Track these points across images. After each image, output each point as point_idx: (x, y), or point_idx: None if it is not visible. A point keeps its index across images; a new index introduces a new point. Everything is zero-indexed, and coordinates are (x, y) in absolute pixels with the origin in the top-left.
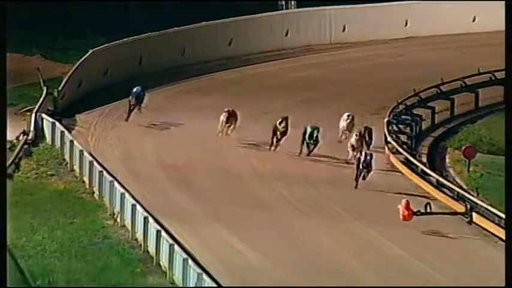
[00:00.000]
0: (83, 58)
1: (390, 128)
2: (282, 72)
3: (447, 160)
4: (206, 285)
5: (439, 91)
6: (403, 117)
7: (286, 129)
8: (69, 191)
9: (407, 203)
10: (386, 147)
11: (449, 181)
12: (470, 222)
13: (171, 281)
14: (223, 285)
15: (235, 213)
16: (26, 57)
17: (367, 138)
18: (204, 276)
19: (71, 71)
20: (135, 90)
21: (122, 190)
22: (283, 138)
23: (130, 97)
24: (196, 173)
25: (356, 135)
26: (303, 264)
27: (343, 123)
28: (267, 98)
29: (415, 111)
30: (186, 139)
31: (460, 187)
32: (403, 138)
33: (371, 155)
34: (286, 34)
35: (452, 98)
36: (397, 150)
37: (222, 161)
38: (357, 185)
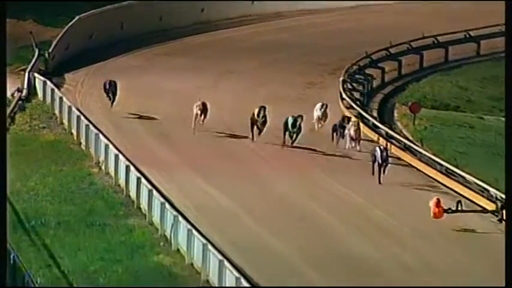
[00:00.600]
0: (70, 23)
1: (345, 86)
2: (250, 37)
3: (395, 114)
4: (181, 226)
5: (388, 53)
6: (357, 76)
7: (265, 119)
8: (59, 142)
9: (438, 201)
10: (341, 103)
11: (397, 133)
12: (501, 220)
13: (150, 222)
14: (196, 225)
15: (209, 164)
16: (19, 22)
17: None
18: (180, 218)
19: (60, 35)
20: (108, 86)
21: (106, 141)
22: (265, 128)
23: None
24: (174, 127)
25: (354, 125)
26: (271, 211)
27: (317, 113)
28: (236, 59)
29: (367, 71)
30: (165, 96)
31: (407, 138)
32: (357, 95)
33: (386, 149)
34: (252, 2)
35: (399, 59)
36: (351, 105)
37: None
38: (380, 181)
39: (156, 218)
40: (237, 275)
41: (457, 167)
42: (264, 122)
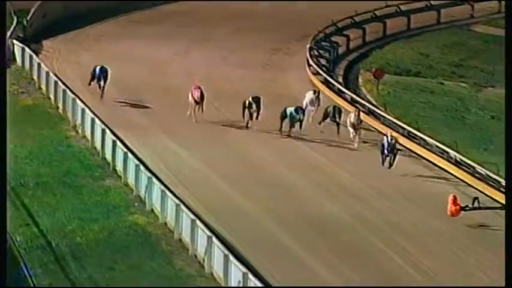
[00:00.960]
0: None
1: (312, 53)
2: (224, 4)
3: (360, 80)
4: (155, 188)
5: (353, 21)
6: (323, 43)
7: (259, 109)
8: (37, 106)
9: (455, 198)
10: (308, 69)
11: (361, 98)
12: None
13: (125, 183)
14: (170, 187)
15: (181, 128)
16: None
17: (336, 117)
18: (154, 179)
19: (37, 4)
20: (97, 71)
21: (83, 106)
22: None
23: (96, 77)
24: (147, 93)
25: (355, 114)
26: (244, 175)
27: (309, 97)
28: (208, 27)
29: (333, 39)
30: (139, 63)
31: (371, 103)
32: (323, 61)
33: (395, 139)
34: None
35: (364, 27)
36: (318, 71)
37: (170, 82)
38: (390, 167)
39: (131, 180)
40: (209, 233)
41: (418, 130)
42: (258, 112)
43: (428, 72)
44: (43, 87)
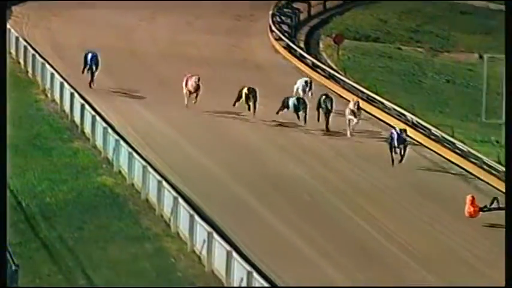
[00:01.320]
0: None
1: (274, 19)
2: None
3: (320, 46)
4: (123, 150)
5: None
6: (285, 10)
7: (256, 99)
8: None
9: (473, 199)
10: (271, 35)
11: (322, 63)
12: None
13: (94, 145)
14: (137, 148)
15: (147, 91)
16: None
17: (328, 107)
18: (121, 142)
19: None
20: (89, 56)
21: (52, 70)
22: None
23: (88, 64)
24: (114, 58)
25: (355, 103)
26: (210, 139)
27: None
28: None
29: (294, 5)
30: (107, 29)
31: (331, 67)
32: (285, 27)
33: (405, 131)
34: None
35: None
36: (280, 37)
37: (136, 46)
38: (393, 162)
39: (99, 142)
40: (175, 194)
41: (377, 94)
42: (255, 102)
43: (387, 38)
44: (13, 51)
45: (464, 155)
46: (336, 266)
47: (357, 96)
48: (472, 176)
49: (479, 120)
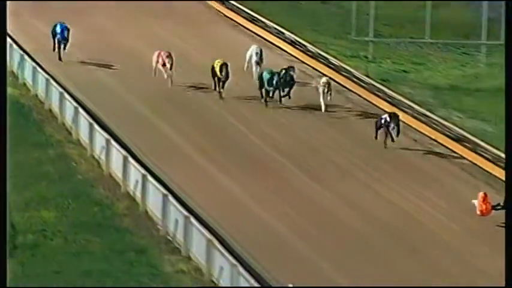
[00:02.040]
0: None
1: None
2: None
3: None
4: (27, 64)
5: None
6: None
7: (227, 75)
8: None
9: (485, 195)
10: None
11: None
12: None
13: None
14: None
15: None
16: None
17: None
18: (26, 56)
19: None
20: (58, 29)
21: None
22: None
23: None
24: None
25: (324, 83)
26: (103, 52)
27: (254, 58)
28: None
29: None
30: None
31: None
32: None
33: (397, 116)
34: None
35: None
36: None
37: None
38: (386, 146)
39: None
40: (76, 104)
41: (260, 15)
42: (227, 77)
43: None
44: None
45: (336, 69)
46: (221, 169)
47: (240, 16)
48: (344, 88)
49: (349, 38)
